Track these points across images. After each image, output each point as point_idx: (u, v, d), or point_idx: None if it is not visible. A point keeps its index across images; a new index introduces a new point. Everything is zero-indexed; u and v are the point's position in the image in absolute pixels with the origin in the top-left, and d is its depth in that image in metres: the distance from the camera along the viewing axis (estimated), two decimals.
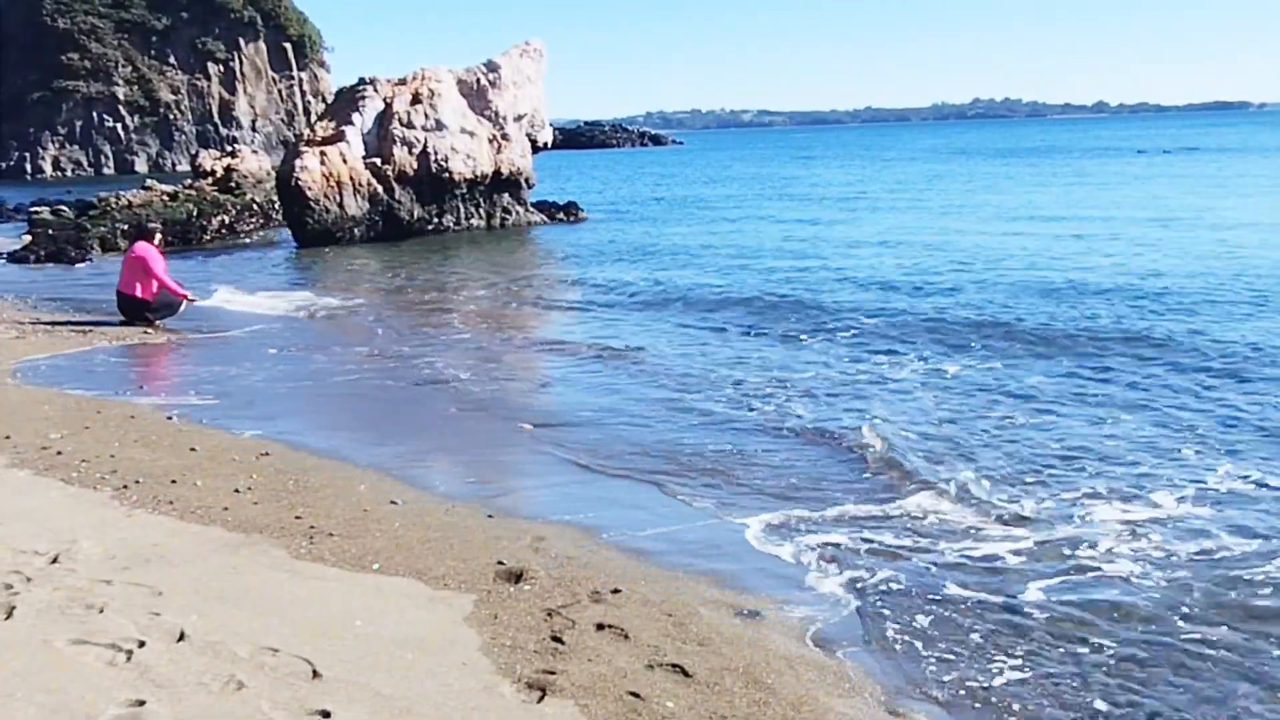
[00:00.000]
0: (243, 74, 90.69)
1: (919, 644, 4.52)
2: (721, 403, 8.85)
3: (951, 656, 4.41)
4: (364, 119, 24.64)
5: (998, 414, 8.28)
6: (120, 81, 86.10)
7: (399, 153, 24.53)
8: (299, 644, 4.12)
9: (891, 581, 5.14)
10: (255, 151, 33.75)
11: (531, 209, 27.53)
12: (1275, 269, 15.50)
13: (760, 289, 15.49)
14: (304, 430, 7.95)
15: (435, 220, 25.25)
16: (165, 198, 26.98)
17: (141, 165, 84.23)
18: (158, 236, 14.40)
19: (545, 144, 27.86)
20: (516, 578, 4.95)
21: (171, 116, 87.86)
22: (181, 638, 4.14)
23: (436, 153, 24.79)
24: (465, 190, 25.64)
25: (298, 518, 5.75)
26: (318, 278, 18.85)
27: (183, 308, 13.57)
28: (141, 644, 4.05)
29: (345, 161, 24.04)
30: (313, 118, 56.69)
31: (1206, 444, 7.34)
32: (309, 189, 23.52)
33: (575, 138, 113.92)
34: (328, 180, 23.82)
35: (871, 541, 5.65)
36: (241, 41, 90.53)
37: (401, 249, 22.76)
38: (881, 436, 7.59)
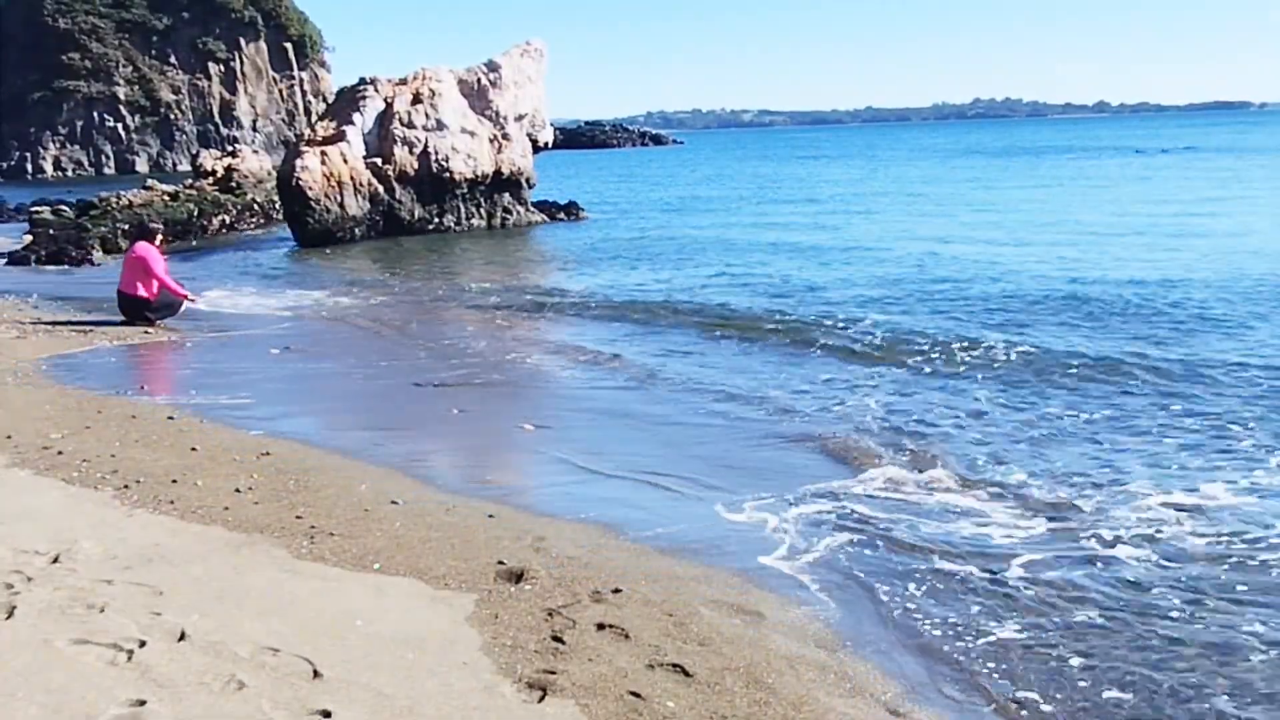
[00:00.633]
0: (243, 74, 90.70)
1: (920, 644, 4.52)
2: (723, 403, 8.86)
3: (957, 658, 4.41)
4: (365, 119, 24.65)
5: (1010, 417, 8.28)
6: (121, 81, 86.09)
7: (400, 152, 24.55)
8: (300, 644, 4.12)
9: (895, 583, 5.14)
10: (256, 151, 33.81)
11: (532, 209, 27.55)
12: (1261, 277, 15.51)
13: (761, 289, 15.50)
14: (305, 430, 7.96)
15: (436, 220, 25.26)
16: (166, 198, 27.01)
17: (142, 165, 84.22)
18: (159, 236, 14.42)
19: (546, 144, 27.88)
20: (517, 577, 4.95)
21: (172, 116, 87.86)
22: (182, 637, 4.14)
23: (437, 152, 24.80)
24: (466, 190, 25.65)
25: (298, 517, 5.75)
26: (318, 277, 18.83)
27: (182, 308, 13.60)
28: (142, 644, 4.05)
29: (346, 161, 24.05)
30: (313, 117, 56.81)
31: (1207, 420, 7.40)
32: (310, 189, 23.53)
33: (576, 137, 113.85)
34: (328, 180, 23.83)
35: (876, 542, 5.65)
36: (242, 41, 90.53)
37: (402, 249, 22.76)
38: (884, 438, 7.58)
